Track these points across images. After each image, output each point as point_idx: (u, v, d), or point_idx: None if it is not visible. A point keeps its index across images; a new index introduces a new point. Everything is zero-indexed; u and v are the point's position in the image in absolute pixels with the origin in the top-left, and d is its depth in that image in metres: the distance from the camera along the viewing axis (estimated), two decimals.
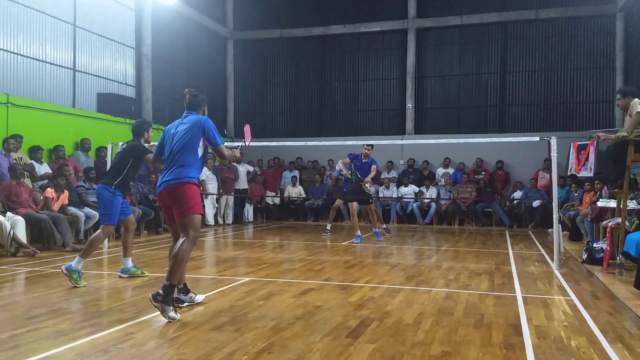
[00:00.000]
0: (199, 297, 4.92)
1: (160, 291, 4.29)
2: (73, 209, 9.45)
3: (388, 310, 4.78)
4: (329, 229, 11.56)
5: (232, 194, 14.13)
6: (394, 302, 5.08)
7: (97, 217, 9.64)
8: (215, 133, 4.63)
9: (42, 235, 8.80)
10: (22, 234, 8.08)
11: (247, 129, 5.73)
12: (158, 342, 3.82)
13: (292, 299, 5.16)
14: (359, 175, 10.47)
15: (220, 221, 13.88)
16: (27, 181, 9.35)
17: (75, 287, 5.58)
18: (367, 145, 10.42)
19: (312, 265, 7.35)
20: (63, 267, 5.74)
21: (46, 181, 9.60)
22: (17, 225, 8.04)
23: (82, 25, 12.04)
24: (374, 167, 10.45)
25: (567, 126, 15.60)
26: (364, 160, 10.43)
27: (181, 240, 4.48)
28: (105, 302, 5.09)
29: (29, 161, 9.74)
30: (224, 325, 4.21)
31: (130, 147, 6.11)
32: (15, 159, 9.33)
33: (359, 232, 10.41)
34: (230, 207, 14.21)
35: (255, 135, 17.69)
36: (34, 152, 9.88)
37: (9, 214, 8.22)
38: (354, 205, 10.59)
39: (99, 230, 6.03)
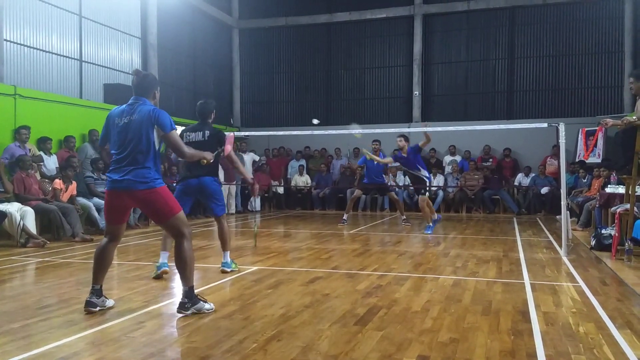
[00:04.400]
0: (110, 302, 4.39)
1: (185, 299, 4.17)
2: (82, 200, 9.51)
3: (396, 297, 4.79)
4: (346, 219, 11.18)
5: (234, 182, 14.10)
6: (402, 290, 5.10)
7: None
8: (168, 121, 4.18)
9: (51, 226, 8.87)
10: (31, 225, 8.14)
11: (230, 139, 5.61)
12: (168, 330, 3.86)
13: (300, 287, 5.19)
14: (410, 170, 10.13)
15: (225, 211, 13.81)
16: (36, 173, 9.41)
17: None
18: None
19: (319, 254, 7.37)
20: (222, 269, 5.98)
21: (55, 172, 9.68)
22: (26, 216, 8.11)
23: (87, 16, 12.04)
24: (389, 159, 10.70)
25: (575, 112, 15.50)
26: (404, 154, 10.02)
27: (178, 242, 4.27)
28: (115, 291, 5.13)
29: (38, 152, 9.80)
30: (233, 314, 4.24)
31: (212, 135, 5.84)
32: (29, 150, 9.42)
33: (432, 219, 9.97)
34: (233, 196, 14.17)
35: (261, 125, 17.90)
36: (43, 142, 9.92)
37: (18, 204, 8.29)
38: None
39: (222, 223, 6.13)
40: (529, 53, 16.04)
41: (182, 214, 4.32)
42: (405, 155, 9.91)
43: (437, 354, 3.33)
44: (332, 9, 17.38)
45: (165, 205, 4.23)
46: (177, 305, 4.22)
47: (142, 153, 4.13)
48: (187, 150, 4.36)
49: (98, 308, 4.25)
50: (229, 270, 5.94)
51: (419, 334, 3.72)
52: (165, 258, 5.71)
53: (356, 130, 10.76)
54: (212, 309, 4.26)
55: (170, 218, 4.24)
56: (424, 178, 9.97)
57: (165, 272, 5.63)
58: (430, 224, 9.88)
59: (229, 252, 6.05)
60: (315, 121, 11.17)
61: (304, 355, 3.31)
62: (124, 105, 4.32)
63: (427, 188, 10.10)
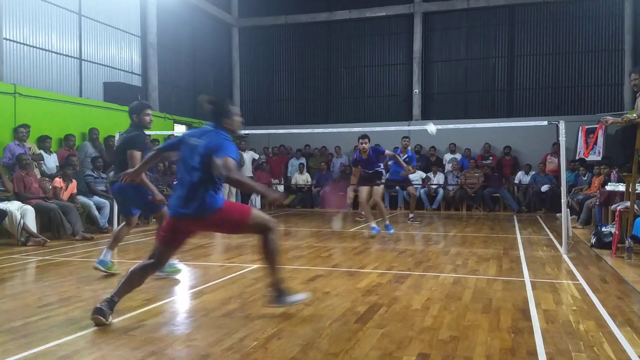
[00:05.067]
0: (110, 319, 3.92)
1: (276, 293, 4.11)
2: (82, 198, 9.51)
3: (396, 295, 4.79)
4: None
5: None
6: (402, 288, 5.10)
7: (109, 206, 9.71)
8: (225, 147, 3.87)
9: (51, 225, 8.87)
10: (32, 224, 8.15)
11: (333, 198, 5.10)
12: (169, 328, 3.86)
13: (300, 286, 5.18)
14: (368, 172, 9.27)
15: None
16: (36, 171, 9.42)
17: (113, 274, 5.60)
18: (362, 138, 9.10)
19: (320, 252, 7.37)
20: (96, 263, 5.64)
21: (55, 171, 9.69)
22: (27, 214, 8.11)
23: (87, 14, 12.04)
24: (388, 152, 9.57)
25: (575, 110, 15.48)
26: (364, 157, 9.18)
27: (263, 236, 4.07)
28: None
29: (38, 151, 9.80)
30: (234, 312, 4.24)
31: (122, 140, 5.64)
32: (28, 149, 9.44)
33: (373, 224, 9.16)
34: (233, 194, 14.17)
35: (261, 123, 17.90)
36: (43, 141, 9.93)
37: (18, 203, 8.30)
38: (364, 191, 9.31)
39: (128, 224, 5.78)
40: (528, 51, 16.03)
41: (254, 212, 4.11)
42: (365, 157, 9.16)
43: (438, 352, 3.33)
44: (331, 7, 17.36)
45: (233, 218, 4.02)
46: (271, 300, 4.13)
47: (202, 176, 3.90)
48: (235, 174, 3.81)
49: (105, 321, 3.83)
50: (102, 268, 5.62)
51: (419, 332, 3.73)
52: (108, 256, 5.64)
53: (431, 128, 9.98)
54: (304, 299, 4.23)
55: (245, 224, 4.03)
56: (380, 171, 9.42)
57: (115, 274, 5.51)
58: (387, 223, 9.17)
59: (112, 252, 5.75)
60: (431, 128, 10.08)
61: (305, 354, 3.31)
62: (198, 129, 4.17)
63: (383, 179, 9.52)
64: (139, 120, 5.64)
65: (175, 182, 4.09)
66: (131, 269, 4.10)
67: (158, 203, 5.59)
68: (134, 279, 4.08)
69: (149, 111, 5.71)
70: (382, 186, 9.31)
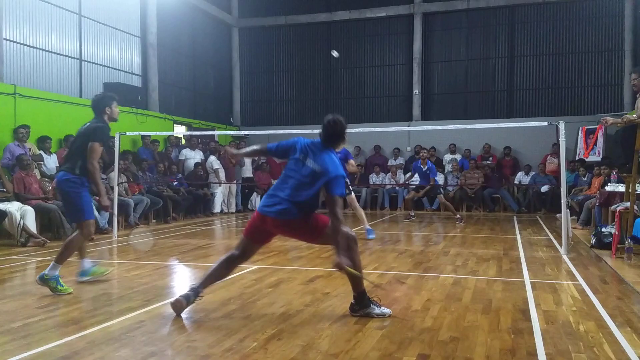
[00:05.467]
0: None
1: (353, 301, 4.15)
2: None
3: (396, 296, 4.79)
4: (413, 214, 12.20)
5: (235, 181, 14.10)
6: (402, 289, 5.10)
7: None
8: (340, 189, 3.97)
9: (51, 225, 8.87)
10: (31, 224, 8.15)
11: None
12: (169, 329, 3.86)
13: (300, 286, 5.19)
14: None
15: (225, 209, 13.81)
16: (36, 172, 9.42)
17: (59, 295, 4.81)
18: None
19: (320, 253, 7.36)
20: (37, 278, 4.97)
21: (55, 171, 9.68)
22: (26, 215, 8.11)
23: (87, 15, 12.04)
24: (350, 161, 8.89)
25: (575, 110, 15.48)
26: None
27: (336, 249, 3.97)
28: (115, 290, 5.13)
29: (38, 152, 9.81)
30: (234, 313, 4.24)
31: (86, 130, 5.25)
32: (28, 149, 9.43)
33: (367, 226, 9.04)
34: (234, 195, 14.19)
35: (261, 124, 17.86)
36: (43, 142, 9.94)
37: (18, 204, 8.30)
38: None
39: (78, 231, 5.18)
40: (528, 51, 16.03)
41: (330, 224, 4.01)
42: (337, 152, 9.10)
43: (438, 352, 3.33)
44: (331, 7, 17.36)
45: (311, 224, 4.06)
46: None
47: (307, 199, 4.00)
48: (339, 214, 3.90)
49: (184, 306, 4.08)
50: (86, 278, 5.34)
51: (419, 332, 3.73)
52: (89, 263, 5.47)
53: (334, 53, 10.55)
54: (383, 314, 4.09)
55: (324, 232, 4.04)
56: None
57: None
58: (368, 227, 9.00)
59: (60, 266, 5.00)
60: (335, 53, 10.76)
61: (305, 354, 3.31)
62: (309, 143, 4.28)
63: (349, 186, 9.07)
64: (112, 112, 5.41)
65: (273, 182, 4.11)
66: (219, 259, 4.29)
67: (103, 208, 5.51)
68: (221, 270, 4.26)
69: (116, 103, 5.51)
70: (352, 194, 9.07)
